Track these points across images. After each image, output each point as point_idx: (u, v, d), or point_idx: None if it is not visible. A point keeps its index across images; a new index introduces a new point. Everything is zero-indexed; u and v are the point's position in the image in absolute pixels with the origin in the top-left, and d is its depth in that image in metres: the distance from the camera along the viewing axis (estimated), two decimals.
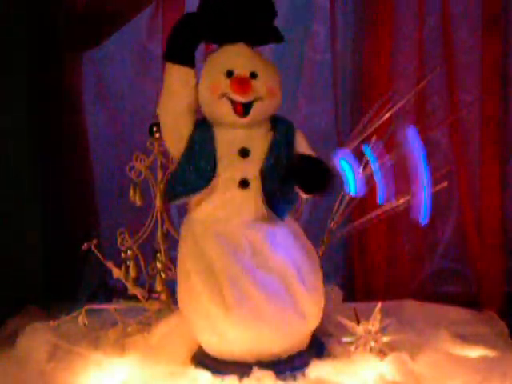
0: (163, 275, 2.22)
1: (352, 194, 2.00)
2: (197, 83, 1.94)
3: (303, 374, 1.92)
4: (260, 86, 1.89)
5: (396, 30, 2.68)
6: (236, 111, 1.88)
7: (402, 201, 2.20)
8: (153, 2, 2.65)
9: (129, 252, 2.20)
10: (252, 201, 1.91)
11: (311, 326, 1.97)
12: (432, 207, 2.79)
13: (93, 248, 2.16)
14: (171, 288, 2.19)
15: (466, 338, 2.14)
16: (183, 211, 2.09)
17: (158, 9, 2.72)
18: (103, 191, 2.81)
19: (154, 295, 2.23)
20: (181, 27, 1.92)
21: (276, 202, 1.92)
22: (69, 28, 2.57)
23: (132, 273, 2.20)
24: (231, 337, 1.88)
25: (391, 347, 2.00)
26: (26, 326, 2.18)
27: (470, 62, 2.72)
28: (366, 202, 2.31)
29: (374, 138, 2.23)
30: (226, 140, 1.92)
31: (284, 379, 1.90)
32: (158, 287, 2.22)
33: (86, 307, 2.15)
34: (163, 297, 2.22)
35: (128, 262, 2.20)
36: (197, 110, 1.97)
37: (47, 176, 2.66)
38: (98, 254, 2.17)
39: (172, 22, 1.98)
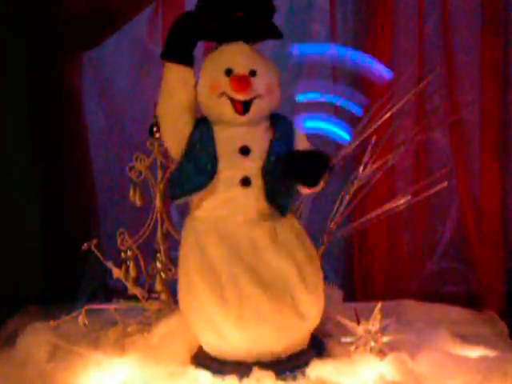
0: (163, 275, 2.22)
1: (347, 140, 1.98)
2: (196, 82, 1.94)
3: (303, 374, 1.92)
4: (259, 83, 1.89)
5: (396, 30, 2.68)
6: (236, 109, 1.88)
7: (402, 201, 2.20)
8: (153, 2, 2.65)
9: (129, 252, 2.20)
10: (254, 199, 1.91)
11: (311, 326, 1.97)
12: (432, 207, 2.81)
13: (93, 248, 2.15)
14: (171, 288, 2.19)
15: (465, 338, 2.13)
16: (183, 211, 2.09)
17: (158, 9, 2.73)
18: (103, 191, 2.81)
19: (153, 295, 2.22)
20: (179, 26, 1.91)
21: (278, 199, 1.92)
22: (69, 28, 2.57)
23: (132, 273, 2.20)
24: (231, 336, 1.88)
25: (391, 347, 1.99)
26: (26, 326, 2.17)
27: (470, 62, 2.72)
28: (366, 202, 2.32)
29: (373, 138, 2.23)
30: (226, 138, 1.91)
31: (284, 379, 1.89)
32: (158, 287, 2.22)
33: (86, 307, 2.15)
34: (163, 297, 2.22)
35: (128, 262, 2.20)
36: (196, 109, 1.97)
37: (47, 176, 2.66)
38: (98, 254, 2.16)
39: (172, 21, 1.98)
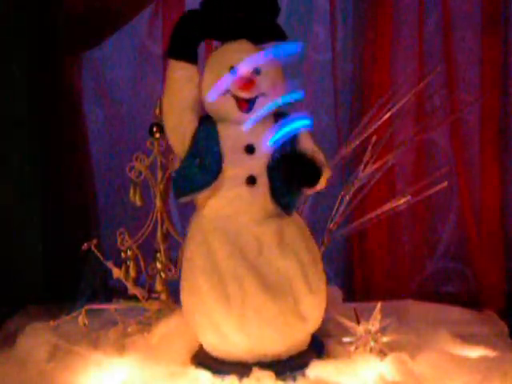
0: (163, 275, 2.22)
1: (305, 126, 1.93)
2: (200, 80, 1.93)
3: (303, 374, 1.92)
4: (263, 81, 1.88)
5: (396, 29, 2.68)
6: (240, 107, 1.88)
7: (402, 201, 2.20)
8: (153, 2, 2.65)
9: (129, 252, 2.20)
10: (259, 197, 1.90)
11: (312, 328, 1.96)
12: (432, 207, 2.81)
13: (93, 248, 2.15)
14: (171, 288, 2.19)
15: (465, 338, 2.13)
16: (183, 211, 2.09)
17: (158, 9, 2.72)
18: (103, 191, 2.81)
19: (153, 295, 2.23)
20: (183, 24, 1.91)
21: (284, 197, 1.91)
22: (69, 28, 2.57)
23: (132, 273, 2.20)
24: (233, 336, 1.88)
25: (391, 347, 1.99)
26: (26, 326, 2.17)
27: (470, 62, 2.72)
28: (366, 202, 2.32)
29: (373, 138, 2.23)
30: (231, 137, 1.90)
31: (284, 379, 1.89)
32: (158, 287, 2.23)
33: (86, 307, 2.15)
34: (163, 297, 2.22)
35: (128, 262, 2.20)
36: (200, 107, 1.96)
37: (47, 176, 2.66)
38: (98, 254, 2.16)
39: (172, 21, 1.98)
